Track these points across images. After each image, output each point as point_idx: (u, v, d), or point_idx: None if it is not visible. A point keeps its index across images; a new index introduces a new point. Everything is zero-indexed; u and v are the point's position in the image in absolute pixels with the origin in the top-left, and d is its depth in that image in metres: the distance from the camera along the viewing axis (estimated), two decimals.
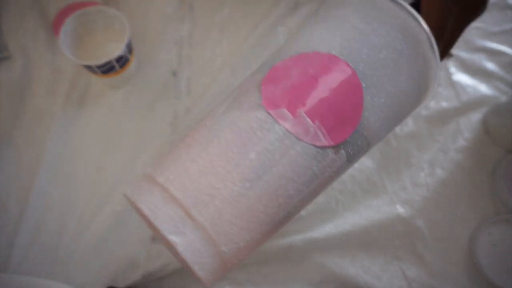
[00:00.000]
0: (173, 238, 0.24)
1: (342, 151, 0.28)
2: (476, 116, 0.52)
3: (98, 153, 0.48)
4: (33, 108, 0.49)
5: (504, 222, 0.47)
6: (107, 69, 0.44)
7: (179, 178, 0.26)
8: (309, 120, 0.27)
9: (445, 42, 0.33)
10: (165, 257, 0.44)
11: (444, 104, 0.52)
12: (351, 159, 0.29)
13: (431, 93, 0.33)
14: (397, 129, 0.51)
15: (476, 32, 0.56)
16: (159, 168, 0.28)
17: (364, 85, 0.28)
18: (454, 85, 0.53)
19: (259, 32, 0.53)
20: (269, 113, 0.26)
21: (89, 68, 0.43)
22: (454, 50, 0.55)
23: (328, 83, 0.28)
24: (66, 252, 0.44)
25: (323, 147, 0.27)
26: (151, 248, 0.45)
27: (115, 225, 0.46)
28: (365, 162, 0.49)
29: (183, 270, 0.45)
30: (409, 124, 0.51)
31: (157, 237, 0.31)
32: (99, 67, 0.43)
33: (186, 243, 0.25)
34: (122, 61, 0.45)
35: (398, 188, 0.49)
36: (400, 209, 0.48)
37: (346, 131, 0.27)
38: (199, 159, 0.26)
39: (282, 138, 0.26)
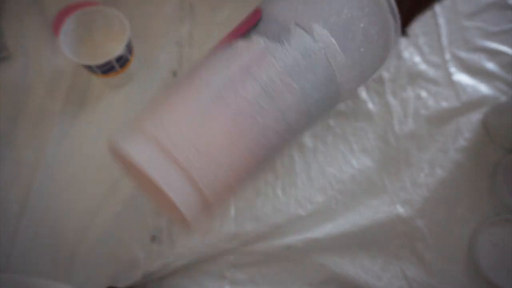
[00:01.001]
0: (156, 176, 0.25)
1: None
2: (476, 116, 0.52)
3: (98, 153, 0.48)
4: (33, 108, 0.49)
5: (504, 222, 0.47)
6: (107, 69, 0.44)
7: (165, 126, 0.28)
8: None
9: (401, 19, 0.34)
10: (165, 257, 0.44)
11: (444, 104, 0.52)
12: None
13: (387, 62, 0.35)
14: (397, 129, 0.51)
15: (476, 32, 0.56)
16: (147, 114, 0.29)
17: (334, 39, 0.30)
18: (454, 85, 0.53)
19: None
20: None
21: (89, 68, 0.43)
22: (454, 50, 0.55)
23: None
24: (66, 252, 0.45)
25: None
26: (151, 248, 0.45)
27: (115, 225, 0.46)
28: (365, 162, 0.49)
29: (183, 270, 0.45)
30: (409, 124, 0.51)
31: (137, 179, 0.31)
32: (99, 67, 0.43)
33: (173, 184, 0.26)
34: (122, 61, 0.45)
35: (398, 188, 0.49)
36: (400, 209, 0.48)
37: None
38: (188, 106, 0.28)
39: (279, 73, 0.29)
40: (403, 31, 0.36)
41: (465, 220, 0.48)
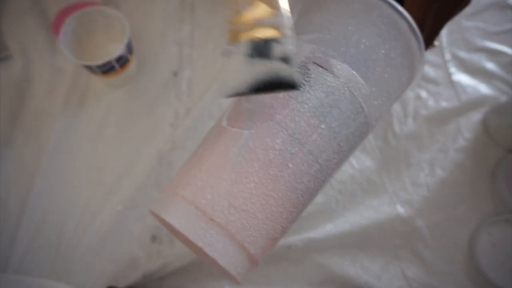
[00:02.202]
0: (198, 241, 0.26)
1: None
2: (476, 116, 0.52)
3: (98, 153, 0.48)
4: (33, 108, 0.49)
5: (504, 222, 0.47)
6: (107, 69, 0.44)
7: (201, 189, 0.28)
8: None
9: (426, 36, 0.34)
10: (165, 257, 0.44)
11: (444, 104, 0.52)
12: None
13: (416, 79, 0.35)
14: (397, 129, 0.51)
15: (476, 32, 0.56)
16: (181, 183, 0.29)
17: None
18: (454, 85, 0.53)
19: None
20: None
21: (89, 68, 0.43)
22: (454, 50, 0.55)
23: None
24: (66, 252, 0.44)
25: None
26: (151, 248, 0.45)
27: (115, 225, 0.46)
28: (365, 162, 0.49)
29: (183, 270, 0.45)
30: (409, 124, 0.51)
31: (186, 243, 0.32)
32: (99, 67, 0.43)
33: (213, 246, 0.26)
34: (122, 61, 0.45)
35: (398, 188, 0.49)
36: (400, 209, 0.48)
37: None
38: (216, 171, 0.28)
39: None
40: (429, 44, 0.36)
41: (465, 220, 0.48)
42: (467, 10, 0.56)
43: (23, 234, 0.44)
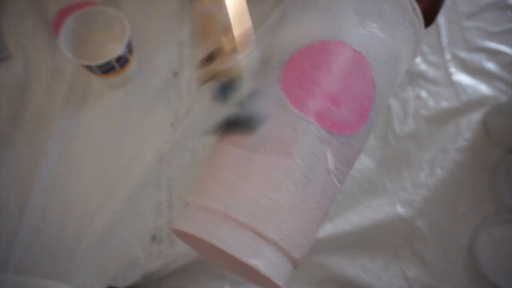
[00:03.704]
0: (252, 262, 0.24)
1: (365, 127, 0.29)
2: (476, 116, 0.52)
3: (98, 153, 0.48)
4: (33, 108, 0.49)
5: (504, 222, 0.47)
6: (107, 69, 0.44)
7: (237, 201, 0.26)
8: (336, 110, 0.27)
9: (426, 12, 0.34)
10: (165, 257, 0.44)
11: (444, 104, 0.52)
12: (369, 134, 0.31)
13: (416, 54, 0.35)
14: (397, 129, 0.51)
15: (476, 32, 0.56)
16: (207, 194, 0.27)
17: (370, 62, 0.29)
18: (454, 85, 0.53)
19: (260, 32, 0.53)
20: (300, 114, 0.27)
21: (89, 68, 0.43)
22: (454, 50, 0.55)
23: (342, 71, 0.28)
24: (66, 252, 0.44)
25: (353, 132, 0.27)
26: (151, 248, 0.45)
27: (115, 225, 0.46)
28: (365, 162, 0.49)
29: (183, 270, 0.45)
30: (409, 124, 0.51)
31: (223, 265, 0.31)
32: (99, 67, 0.43)
33: (266, 262, 0.25)
34: (122, 61, 0.45)
35: (398, 188, 0.49)
36: (400, 209, 0.48)
37: (366, 111, 0.28)
38: (248, 177, 0.26)
39: (317, 135, 0.26)
40: (431, 21, 0.37)
41: (465, 220, 0.48)
42: (467, 10, 0.57)
43: (23, 234, 0.44)
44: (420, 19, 0.32)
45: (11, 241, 0.44)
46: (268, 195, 0.25)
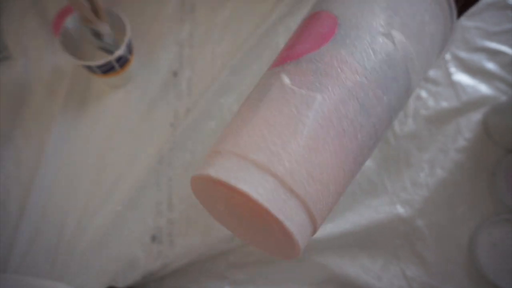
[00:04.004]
0: (282, 217, 0.23)
1: (331, 45, 0.29)
2: (476, 116, 0.52)
3: (98, 153, 0.48)
4: (33, 108, 0.49)
5: (504, 222, 0.47)
6: (107, 69, 0.44)
7: (276, 155, 0.25)
8: (290, 51, 0.30)
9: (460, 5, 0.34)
10: (165, 257, 0.44)
11: (444, 104, 0.52)
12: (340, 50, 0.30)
13: (449, 44, 0.35)
14: (397, 129, 0.51)
15: (476, 32, 0.56)
16: (247, 144, 0.26)
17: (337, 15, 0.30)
18: (454, 85, 0.53)
19: (260, 32, 0.53)
20: (274, 70, 0.29)
21: (89, 68, 0.43)
22: (454, 50, 0.55)
23: (306, 26, 0.32)
24: (66, 252, 0.45)
25: (313, 52, 0.28)
26: (151, 248, 0.45)
27: (115, 225, 0.46)
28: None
29: (183, 270, 0.45)
30: (409, 124, 0.51)
31: (232, 225, 0.29)
32: (99, 67, 0.43)
33: (291, 218, 0.24)
34: (122, 61, 0.45)
35: (398, 188, 0.49)
36: (400, 209, 0.48)
37: (328, 35, 0.30)
38: (279, 132, 0.25)
39: (274, 72, 0.29)
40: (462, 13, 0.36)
41: (465, 220, 0.48)
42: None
43: (23, 234, 0.44)
44: None
45: (11, 241, 0.44)
46: (261, 131, 0.25)
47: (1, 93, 0.49)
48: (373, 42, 0.28)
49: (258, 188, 0.23)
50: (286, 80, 0.27)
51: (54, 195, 0.46)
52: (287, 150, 0.24)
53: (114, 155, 0.48)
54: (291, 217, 0.24)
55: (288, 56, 0.29)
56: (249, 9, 0.55)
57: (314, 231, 0.27)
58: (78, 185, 0.47)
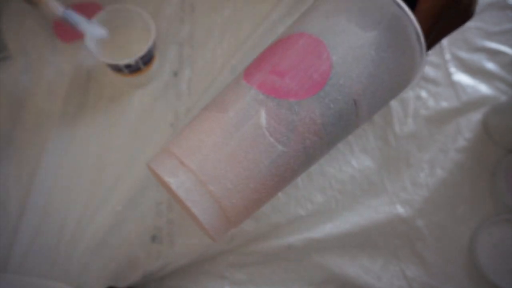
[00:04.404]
0: (169, 180, 0.29)
1: (317, 98, 0.30)
2: (476, 116, 0.52)
3: (98, 153, 0.48)
4: (33, 109, 0.49)
5: (504, 222, 0.47)
6: (134, 69, 0.44)
7: (180, 141, 0.31)
8: (280, 80, 0.30)
9: (430, 41, 0.35)
10: (165, 257, 0.44)
11: (444, 104, 0.52)
12: (330, 115, 0.32)
13: (414, 81, 0.35)
14: (397, 129, 0.51)
15: (476, 32, 0.56)
16: (183, 146, 0.31)
17: (327, 44, 0.31)
18: (454, 85, 0.53)
19: (260, 32, 0.53)
20: (246, 85, 0.31)
21: (115, 67, 0.43)
22: (454, 50, 0.55)
23: (292, 52, 0.32)
24: (66, 252, 0.45)
25: (296, 99, 0.30)
26: (151, 248, 0.45)
27: (115, 225, 0.46)
28: (365, 162, 0.49)
29: (183, 270, 0.45)
30: (409, 124, 0.51)
31: (173, 198, 0.34)
32: (127, 66, 0.43)
33: (179, 183, 0.29)
34: (146, 59, 0.45)
35: (398, 188, 0.49)
36: (400, 209, 0.48)
37: (317, 85, 0.30)
38: (191, 125, 0.32)
39: (255, 97, 0.30)
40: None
41: (465, 220, 0.48)
42: None
43: (23, 234, 0.44)
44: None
45: (11, 241, 0.44)
46: (198, 137, 0.30)
47: (1, 93, 0.49)
48: (336, 103, 0.31)
49: (173, 177, 0.29)
50: (263, 120, 0.30)
51: (54, 195, 0.46)
52: (202, 147, 0.30)
53: (114, 155, 0.48)
54: (197, 201, 0.29)
55: (273, 85, 0.31)
56: (249, 9, 0.55)
57: (227, 219, 0.30)
58: (78, 185, 0.47)
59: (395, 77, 0.33)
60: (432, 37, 0.34)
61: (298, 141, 0.31)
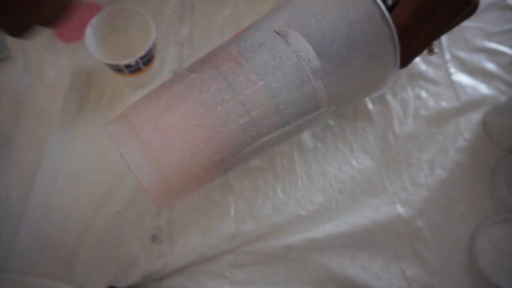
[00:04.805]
0: (122, 150, 0.30)
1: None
2: (476, 116, 0.52)
3: (98, 153, 0.48)
4: (33, 109, 0.49)
5: (504, 222, 0.47)
6: (134, 69, 0.44)
7: (137, 110, 0.32)
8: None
9: (419, 41, 0.33)
10: (165, 257, 0.44)
11: (444, 104, 0.52)
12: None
13: (385, 87, 0.36)
14: (397, 129, 0.51)
15: (476, 32, 0.56)
16: (131, 105, 0.34)
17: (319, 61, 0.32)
18: (454, 85, 0.53)
19: None
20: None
21: (115, 67, 0.43)
22: (454, 50, 0.55)
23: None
24: (66, 252, 0.45)
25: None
26: (151, 248, 0.45)
27: (115, 225, 0.46)
28: (365, 162, 0.49)
29: (183, 270, 0.45)
30: (409, 124, 0.51)
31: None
32: (127, 66, 0.43)
33: (132, 155, 0.30)
34: (146, 59, 0.45)
35: (398, 188, 0.49)
36: (400, 209, 0.48)
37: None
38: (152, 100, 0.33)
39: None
40: (420, 51, 0.35)
41: (465, 220, 0.48)
42: None
43: (23, 234, 0.44)
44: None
45: (11, 241, 0.44)
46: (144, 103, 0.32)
47: (1, 93, 0.49)
48: (264, 39, 0.32)
49: (116, 130, 0.31)
50: (184, 68, 0.33)
51: (54, 195, 0.46)
52: (147, 108, 0.32)
53: (114, 155, 0.48)
54: (131, 153, 0.30)
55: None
56: (249, 9, 0.55)
57: (166, 180, 0.31)
58: (78, 185, 0.47)
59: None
60: (428, 30, 0.32)
61: (211, 67, 0.32)
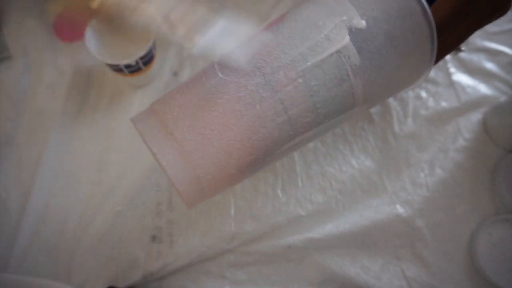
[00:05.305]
0: (155, 150, 0.29)
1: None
2: (476, 116, 0.52)
3: (98, 153, 0.48)
4: (33, 108, 0.49)
5: (504, 222, 0.47)
6: (134, 69, 0.44)
7: (170, 106, 0.31)
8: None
9: (452, 38, 0.33)
10: (165, 257, 0.44)
11: (444, 104, 0.52)
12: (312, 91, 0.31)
13: (416, 84, 0.35)
14: (397, 129, 0.51)
15: (476, 32, 0.56)
16: (159, 100, 0.32)
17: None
18: (454, 85, 0.53)
19: None
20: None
21: (115, 67, 0.43)
22: (454, 50, 0.55)
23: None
24: (66, 252, 0.45)
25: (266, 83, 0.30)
26: (151, 248, 0.45)
27: (115, 225, 0.46)
28: (365, 162, 0.49)
29: (183, 270, 0.45)
30: (409, 124, 0.51)
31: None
32: (127, 66, 0.43)
33: (165, 155, 0.29)
34: (146, 59, 0.45)
35: (398, 188, 0.49)
36: (400, 209, 0.48)
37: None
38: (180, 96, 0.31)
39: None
40: (452, 48, 0.35)
41: (465, 220, 0.48)
42: None
43: (23, 234, 0.44)
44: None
45: (11, 241, 0.44)
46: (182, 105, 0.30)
47: (1, 93, 0.49)
48: (307, 32, 0.30)
49: (145, 126, 0.30)
50: (216, 66, 0.32)
51: (54, 195, 0.46)
52: (180, 104, 0.30)
53: (114, 155, 0.48)
54: (165, 153, 0.29)
55: None
56: (249, 9, 0.55)
57: (199, 181, 0.30)
58: (78, 185, 0.47)
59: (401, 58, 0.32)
60: (461, 29, 0.32)
61: (271, 96, 0.30)
